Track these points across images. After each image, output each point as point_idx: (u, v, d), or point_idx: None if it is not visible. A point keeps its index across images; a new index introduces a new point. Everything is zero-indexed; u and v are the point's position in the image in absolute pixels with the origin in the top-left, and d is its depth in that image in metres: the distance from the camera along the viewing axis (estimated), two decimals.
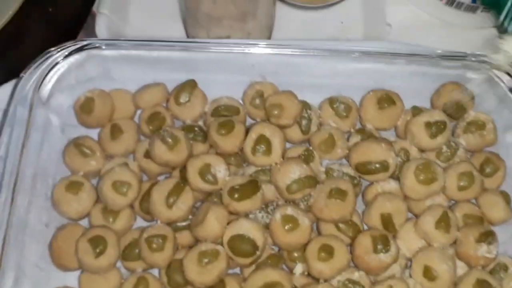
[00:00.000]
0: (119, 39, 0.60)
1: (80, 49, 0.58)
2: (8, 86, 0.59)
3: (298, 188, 0.54)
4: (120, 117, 0.60)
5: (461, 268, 0.55)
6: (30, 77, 0.56)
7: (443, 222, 0.54)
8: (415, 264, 0.53)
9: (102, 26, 0.66)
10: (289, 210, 0.54)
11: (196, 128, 0.60)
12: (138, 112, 0.62)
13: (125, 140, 0.59)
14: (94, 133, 0.60)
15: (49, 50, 0.57)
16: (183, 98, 0.60)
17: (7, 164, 0.53)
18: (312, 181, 0.55)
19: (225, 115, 0.60)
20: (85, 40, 0.58)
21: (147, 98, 0.60)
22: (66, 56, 0.57)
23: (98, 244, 0.52)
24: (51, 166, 0.58)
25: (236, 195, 0.54)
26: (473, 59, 0.59)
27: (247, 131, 0.58)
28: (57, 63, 0.57)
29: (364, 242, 0.53)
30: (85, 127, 0.60)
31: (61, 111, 0.60)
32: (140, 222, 0.58)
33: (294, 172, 0.55)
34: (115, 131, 0.58)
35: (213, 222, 0.52)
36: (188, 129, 0.59)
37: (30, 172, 0.55)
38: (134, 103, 0.61)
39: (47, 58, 0.57)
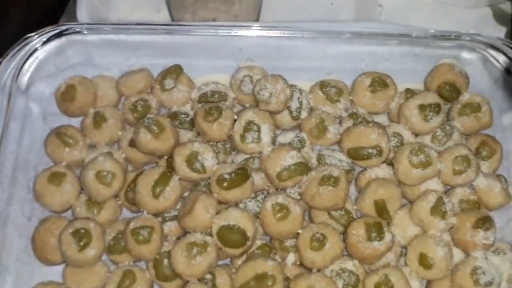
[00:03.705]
0: (100, 23, 0.57)
1: (60, 34, 0.56)
2: None
3: (289, 175, 0.53)
4: (103, 105, 0.58)
5: (458, 254, 0.53)
6: (8, 64, 0.54)
7: (439, 208, 0.52)
8: (410, 252, 0.52)
9: (83, 11, 0.64)
10: (280, 199, 0.52)
11: (182, 115, 0.58)
12: (122, 99, 0.60)
13: (108, 129, 0.56)
14: (77, 122, 0.58)
15: (27, 36, 0.55)
16: (168, 84, 0.58)
17: None
18: (303, 168, 0.53)
19: (213, 101, 0.58)
20: (65, 24, 0.56)
21: (131, 85, 0.58)
22: (45, 42, 0.55)
23: (82, 237, 0.50)
24: (32, 156, 0.56)
25: (225, 184, 0.52)
26: (467, 38, 0.58)
27: (236, 117, 0.56)
28: (36, 50, 0.55)
29: (358, 230, 0.51)
30: (67, 115, 0.58)
31: (42, 100, 0.58)
32: (126, 214, 0.56)
33: (285, 159, 0.53)
34: (98, 119, 0.56)
35: (202, 212, 0.51)
36: (174, 116, 0.57)
37: (10, 163, 0.53)
38: (118, 90, 0.59)
39: (25, 45, 0.55)
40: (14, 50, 0.54)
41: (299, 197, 0.54)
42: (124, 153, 0.56)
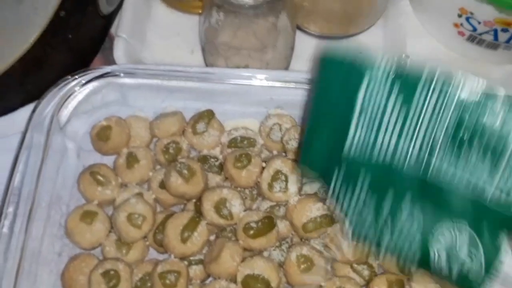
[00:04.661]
0: (137, 68, 0.59)
1: (100, 76, 0.57)
2: (26, 110, 0.59)
3: (314, 227, 0.54)
4: (136, 145, 0.60)
5: None
6: (48, 103, 0.56)
7: None
8: None
9: (120, 50, 0.66)
10: (305, 250, 0.53)
11: (212, 159, 0.59)
12: (154, 139, 0.62)
13: (140, 169, 0.58)
14: (109, 158, 0.60)
15: (68, 77, 0.56)
16: (200, 128, 0.60)
17: (22, 191, 0.53)
18: (328, 220, 0.54)
19: (242, 146, 0.60)
20: (105, 68, 0.58)
21: (164, 128, 0.60)
22: (85, 83, 0.57)
23: (111, 278, 0.51)
24: (65, 192, 0.57)
25: (251, 232, 0.53)
26: None
27: (264, 164, 0.58)
28: (75, 90, 0.57)
29: (380, 286, 0.52)
30: (101, 154, 0.60)
31: (77, 137, 0.59)
32: (153, 253, 0.57)
33: (311, 210, 0.54)
34: (131, 160, 0.58)
35: (228, 260, 0.52)
36: (203, 159, 0.59)
37: (46, 199, 0.54)
38: (151, 131, 0.60)
39: (65, 85, 0.57)
40: (54, 90, 0.56)
41: (322, 248, 0.55)
42: (154, 194, 0.58)
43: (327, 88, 0.46)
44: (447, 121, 0.41)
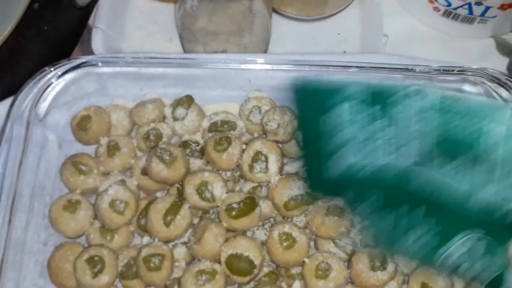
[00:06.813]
0: (115, 56, 0.59)
1: (77, 67, 0.58)
2: (4, 104, 0.59)
3: (295, 205, 0.55)
4: (117, 133, 0.60)
5: (459, 283, 0.55)
6: (26, 95, 0.56)
7: None
8: (412, 281, 0.53)
9: (98, 41, 0.66)
10: (287, 228, 0.54)
11: (193, 144, 0.60)
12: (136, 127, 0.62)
13: (122, 157, 0.58)
14: (91, 148, 0.60)
15: (45, 68, 0.57)
16: (180, 114, 0.60)
17: (4, 184, 0.53)
18: (309, 198, 0.55)
19: (222, 130, 0.60)
20: (81, 58, 0.58)
21: (143, 115, 0.60)
22: (62, 74, 0.57)
23: (96, 264, 0.52)
24: (48, 183, 0.58)
25: (233, 213, 0.54)
26: (470, 73, 0.59)
27: (244, 147, 0.58)
28: (53, 81, 0.57)
29: (362, 260, 0.53)
30: (82, 143, 0.60)
31: (57, 128, 0.60)
32: (138, 238, 0.58)
33: (292, 189, 0.55)
34: (112, 148, 0.58)
35: (211, 241, 0.52)
36: (185, 145, 0.59)
37: (28, 190, 0.55)
38: (131, 119, 0.61)
39: (43, 76, 0.57)
40: (32, 83, 0.56)
41: (305, 226, 0.56)
42: (136, 180, 0.58)
43: (308, 118, 0.46)
44: (434, 134, 0.41)
